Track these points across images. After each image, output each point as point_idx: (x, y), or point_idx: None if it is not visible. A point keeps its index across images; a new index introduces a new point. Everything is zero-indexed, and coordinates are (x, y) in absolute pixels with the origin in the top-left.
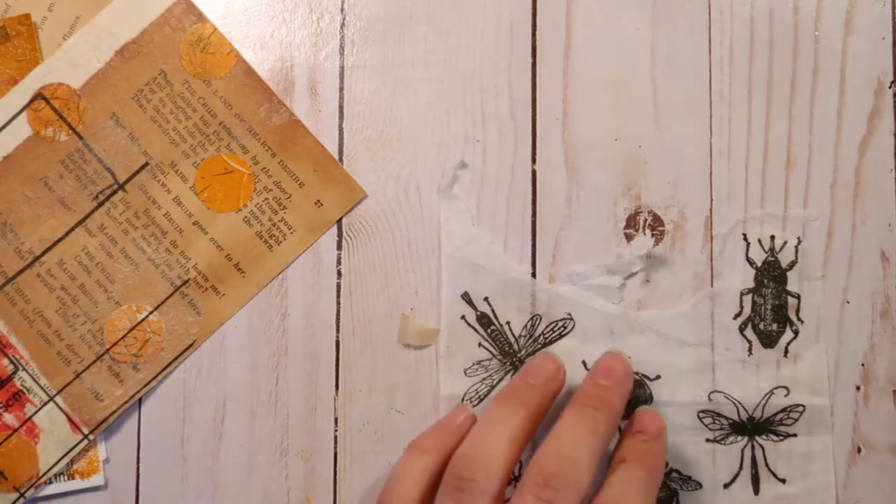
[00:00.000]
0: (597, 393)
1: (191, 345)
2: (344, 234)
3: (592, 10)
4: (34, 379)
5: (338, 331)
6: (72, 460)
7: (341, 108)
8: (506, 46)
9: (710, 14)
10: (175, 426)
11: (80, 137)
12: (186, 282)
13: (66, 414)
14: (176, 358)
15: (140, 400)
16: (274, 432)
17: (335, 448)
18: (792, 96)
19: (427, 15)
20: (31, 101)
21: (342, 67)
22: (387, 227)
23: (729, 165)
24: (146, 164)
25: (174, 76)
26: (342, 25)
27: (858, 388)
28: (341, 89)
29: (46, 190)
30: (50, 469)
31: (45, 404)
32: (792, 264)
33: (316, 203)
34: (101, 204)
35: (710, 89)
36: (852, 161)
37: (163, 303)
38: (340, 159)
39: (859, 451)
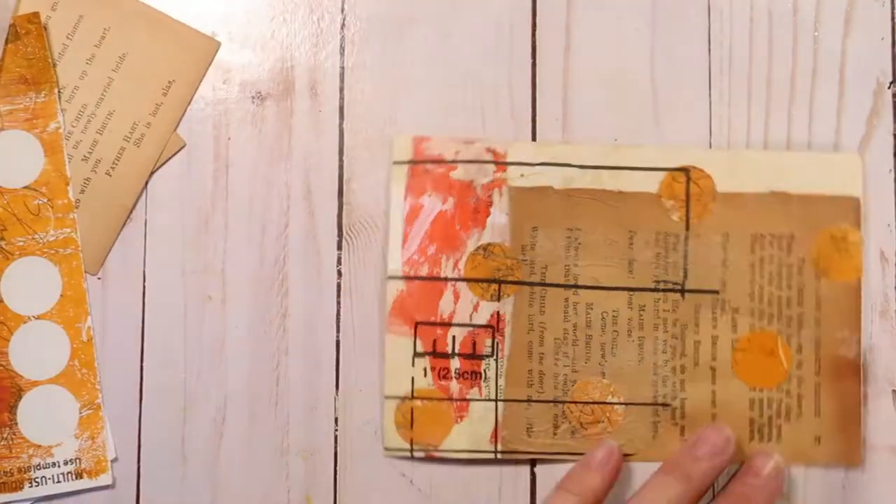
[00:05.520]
0: (683, 464)
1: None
2: (344, 234)
3: (592, 9)
4: (496, 373)
5: (338, 331)
6: (80, 459)
7: (342, 108)
8: (506, 46)
9: (709, 14)
10: (175, 426)
11: (687, 229)
12: (666, 405)
13: (496, 420)
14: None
15: (141, 400)
16: (274, 432)
17: (335, 448)
18: (791, 97)
19: (427, 15)
20: (677, 169)
21: (342, 68)
22: (387, 227)
23: None
24: (717, 292)
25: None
26: (342, 26)
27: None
28: (342, 90)
29: (626, 243)
30: (446, 451)
31: (489, 401)
32: None
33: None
34: (656, 290)
35: (710, 89)
36: None
37: (636, 404)
38: (341, 159)
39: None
